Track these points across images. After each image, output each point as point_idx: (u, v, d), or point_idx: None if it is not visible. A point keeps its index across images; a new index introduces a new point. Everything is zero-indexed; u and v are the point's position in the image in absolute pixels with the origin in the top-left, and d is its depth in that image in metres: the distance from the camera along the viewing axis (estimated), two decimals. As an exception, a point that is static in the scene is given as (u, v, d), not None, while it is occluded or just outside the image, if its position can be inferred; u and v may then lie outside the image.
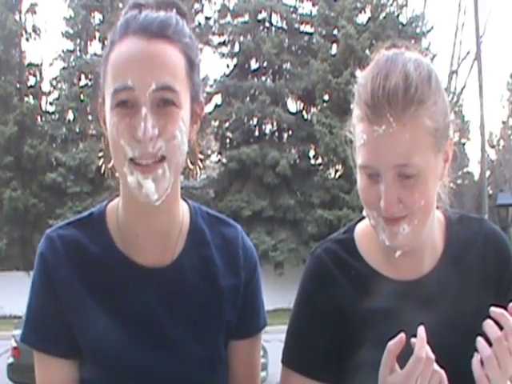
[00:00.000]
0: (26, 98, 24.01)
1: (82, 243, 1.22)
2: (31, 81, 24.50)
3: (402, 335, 1.10)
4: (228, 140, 24.20)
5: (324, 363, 1.29)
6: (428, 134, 1.18)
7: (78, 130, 23.70)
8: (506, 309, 1.31)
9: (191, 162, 1.27)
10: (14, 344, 8.41)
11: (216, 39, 25.09)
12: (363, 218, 1.38)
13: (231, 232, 1.33)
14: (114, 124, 1.13)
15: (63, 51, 24.29)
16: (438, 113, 1.20)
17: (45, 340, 1.21)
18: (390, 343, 1.11)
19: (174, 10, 1.20)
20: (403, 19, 24.39)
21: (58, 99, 24.04)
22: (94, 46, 24.68)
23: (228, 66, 25.04)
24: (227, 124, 23.97)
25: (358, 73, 1.27)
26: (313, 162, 24.13)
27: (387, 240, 1.22)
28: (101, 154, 1.26)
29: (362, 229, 1.36)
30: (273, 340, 6.00)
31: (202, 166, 1.30)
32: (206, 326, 1.25)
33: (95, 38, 24.41)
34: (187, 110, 1.17)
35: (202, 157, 1.30)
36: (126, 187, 1.18)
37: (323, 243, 1.36)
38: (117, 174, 1.22)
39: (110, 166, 1.24)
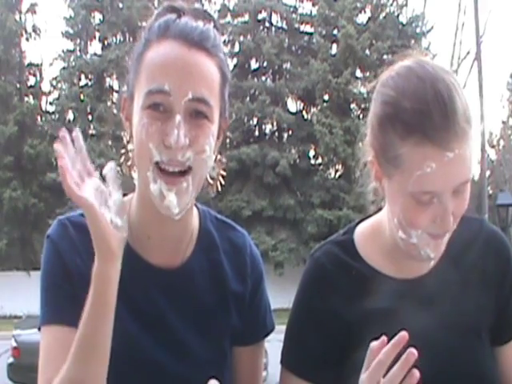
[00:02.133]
0: (26, 98, 24.02)
1: None
2: (31, 81, 24.52)
3: (384, 338, 1.08)
4: (228, 140, 24.20)
5: (322, 366, 1.29)
6: (473, 143, 1.17)
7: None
8: (509, 309, 1.32)
9: (211, 177, 1.26)
10: (14, 344, 8.41)
11: (216, 39, 25.07)
12: (363, 219, 1.38)
13: (239, 238, 1.34)
14: (143, 125, 1.10)
15: (63, 51, 24.28)
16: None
17: (60, 311, 1.17)
18: (373, 344, 1.09)
19: (212, 23, 1.18)
20: (403, 19, 24.38)
21: (58, 99, 24.04)
22: (94, 46, 24.68)
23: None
24: (227, 124, 23.95)
25: (389, 91, 1.19)
26: (313, 161, 24.13)
27: (432, 253, 1.22)
28: (123, 151, 1.24)
29: (361, 230, 1.36)
30: (273, 340, 5.99)
31: (223, 182, 1.29)
32: (212, 329, 1.25)
33: (95, 37, 24.40)
34: (216, 125, 1.17)
35: (224, 173, 1.30)
36: (144, 191, 1.16)
37: (323, 245, 1.36)
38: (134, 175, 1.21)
39: (128, 163, 1.22)
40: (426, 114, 1.11)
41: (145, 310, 1.21)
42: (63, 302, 1.17)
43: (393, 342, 1.06)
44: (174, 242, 1.24)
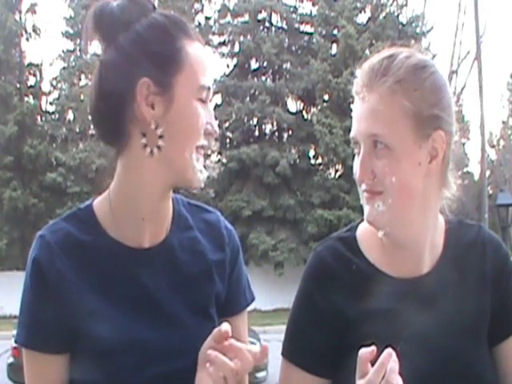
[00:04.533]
0: (26, 98, 23.98)
1: (73, 234, 1.26)
2: (31, 81, 24.48)
3: (374, 349, 1.11)
4: (228, 140, 24.19)
5: (323, 359, 1.31)
6: (406, 115, 1.23)
7: (78, 129, 23.69)
8: (504, 308, 1.32)
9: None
10: (14, 344, 8.41)
11: (216, 39, 25.09)
12: None
13: (212, 217, 1.40)
14: (199, 114, 1.21)
15: (63, 51, 24.30)
16: (421, 100, 1.24)
17: (37, 338, 1.23)
18: (362, 351, 1.12)
19: None
20: (403, 19, 24.40)
21: (58, 99, 24.03)
22: (94, 46, 24.62)
23: (228, 66, 25.06)
24: (227, 124, 23.95)
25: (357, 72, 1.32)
26: (313, 161, 24.12)
27: (365, 216, 1.28)
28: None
29: (364, 228, 1.38)
30: (273, 340, 6.00)
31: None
32: (199, 298, 1.31)
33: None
34: None
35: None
36: (161, 170, 1.22)
37: (325, 241, 1.39)
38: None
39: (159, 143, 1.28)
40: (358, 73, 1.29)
41: (133, 294, 1.25)
42: (37, 330, 1.23)
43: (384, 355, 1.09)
44: (162, 220, 1.30)
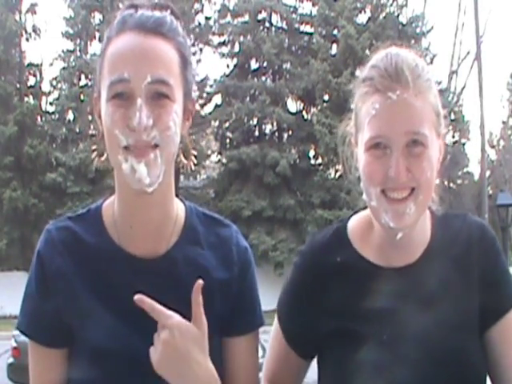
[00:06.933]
0: (26, 98, 24.01)
1: (78, 233, 1.27)
2: (31, 81, 24.52)
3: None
4: (228, 140, 24.21)
5: (306, 337, 1.35)
6: (433, 112, 1.23)
7: (78, 130, 23.70)
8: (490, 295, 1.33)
9: (185, 157, 1.32)
10: (14, 344, 8.40)
11: (216, 39, 25.13)
12: (362, 209, 1.41)
13: (226, 231, 1.36)
14: (109, 114, 1.16)
15: (63, 51, 24.31)
16: (438, 100, 1.26)
17: (34, 328, 1.26)
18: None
19: (169, 11, 1.24)
20: (403, 19, 24.41)
21: (57, 99, 24.05)
22: (94, 46, 24.66)
23: (228, 66, 25.08)
24: (227, 124, 23.97)
25: (357, 72, 1.32)
26: (313, 161, 24.14)
27: (391, 221, 1.22)
28: (94, 147, 1.30)
29: (356, 218, 1.40)
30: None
31: (195, 161, 1.35)
32: None
33: (95, 37, 24.40)
34: (180, 105, 1.21)
35: (195, 153, 1.35)
36: (120, 177, 1.21)
37: (317, 231, 1.44)
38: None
39: (102, 159, 1.29)
40: (376, 68, 1.24)
41: (128, 302, 1.22)
42: (35, 321, 1.25)
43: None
44: (155, 230, 1.27)
